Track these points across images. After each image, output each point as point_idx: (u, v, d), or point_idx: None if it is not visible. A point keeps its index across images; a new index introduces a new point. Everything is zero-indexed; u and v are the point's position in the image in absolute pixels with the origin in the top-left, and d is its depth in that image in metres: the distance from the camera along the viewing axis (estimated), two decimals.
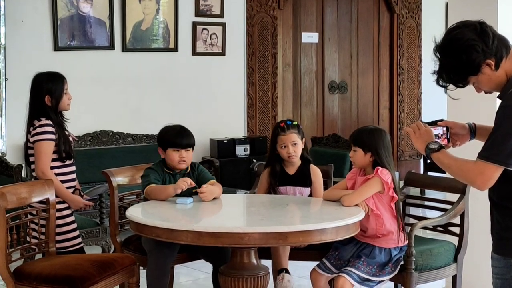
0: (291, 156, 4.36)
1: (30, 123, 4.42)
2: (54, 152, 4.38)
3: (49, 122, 4.36)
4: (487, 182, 2.69)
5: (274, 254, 4.24)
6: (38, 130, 4.33)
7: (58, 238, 4.29)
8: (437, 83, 2.79)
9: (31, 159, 4.42)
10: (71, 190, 4.50)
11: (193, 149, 4.28)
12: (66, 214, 4.42)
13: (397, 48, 9.76)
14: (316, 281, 4.05)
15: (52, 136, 4.35)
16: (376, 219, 3.94)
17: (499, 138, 2.65)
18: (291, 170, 4.43)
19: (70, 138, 4.51)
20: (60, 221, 4.34)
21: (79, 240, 4.50)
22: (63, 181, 4.41)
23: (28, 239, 4.05)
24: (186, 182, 4.00)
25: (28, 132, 4.41)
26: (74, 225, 4.48)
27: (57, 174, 4.38)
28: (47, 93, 4.41)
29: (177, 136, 4.21)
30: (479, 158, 2.68)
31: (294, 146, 4.36)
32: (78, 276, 3.67)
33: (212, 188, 4.10)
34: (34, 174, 4.42)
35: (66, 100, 4.48)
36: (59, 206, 4.33)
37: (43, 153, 4.32)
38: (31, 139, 4.36)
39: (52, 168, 4.37)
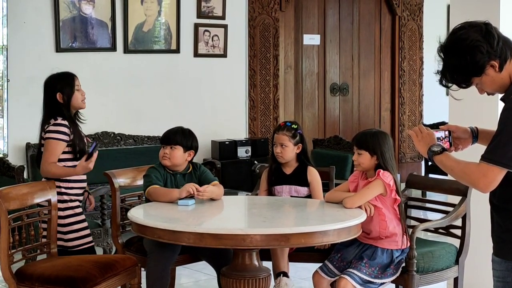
0: (277, 156, 4.41)
1: (45, 122, 4.41)
2: (67, 152, 4.34)
3: (65, 122, 4.34)
4: (490, 184, 2.69)
5: (273, 257, 4.25)
6: (52, 128, 4.33)
7: (70, 236, 4.30)
8: (440, 83, 2.79)
9: None
10: (82, 190, 4.45)
11: (186, 151, 4.25)
12: (78, 212, 4.40)
13: (398, 50, 9.76)
14: (318, 283, 4.05)
15: (65, 137, 4.32)
16: (380, 221, 3.95)
17: (503, 140, 2.64)
18: (288, 170, 4.47)
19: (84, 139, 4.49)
20: (72, 219, 4.33)
21: (90, 238, 4.48)
22: (75, 181, 4.37)
23: (39, 239, 4.06)
24: (192, 188, 4.01)
25: (43, 130, 4.39)
26: (86, 223, 4.46)
27: None
28: (58, 91, 4.41)
29: (165, 134, 4.33)
30: (482, 160, 2.68)
31: (282, 147, 4.39)
32: (80, 277, 3.67)
33: (212, 188, 4.12)
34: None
35: (79, 96, 4.47)
36: (72, 204, 4.34)
37: (49, 151, 4.30)
38: (44, 136, 4.35)
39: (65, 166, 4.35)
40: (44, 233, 4.14)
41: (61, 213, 4.28)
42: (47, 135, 4.32)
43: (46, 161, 4.30)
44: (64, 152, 4.36)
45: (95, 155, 4.30)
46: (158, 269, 4.03)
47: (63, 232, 4.30)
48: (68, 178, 4.35)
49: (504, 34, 2.76)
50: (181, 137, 4.27)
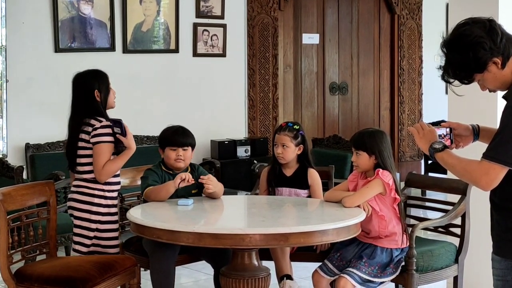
0: (278, 157, 4.38)
1: (80, 123, 4.22)
2: (113, 153, 4.23)
3: (108, 123, 4.20)
4: (491, 182, 2.68)
5: (275, 260, 4.24)
6: (101, 131, 4.16)
7: (110, 243, 4.24)
8: (443, 78, 2.79)
9: (82, 160, 4.22)
10: (117, 191, 4.33)
11: (192, 150, 4.28)
12: (115, 220, 4.29)
13: (397, 49, 9.75)
14: (317, 283, 4.05)
15: (112, 138, 4.19)
16: (379, 221, 3.94)
17: (505, 138, 2.64)
18: (288, 172, 4.44)
19: None
20: (109, 226, 4.25)
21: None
22: (115, 183, 4.28)
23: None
24: (183, 175, 4.00)
25: (81, 131, 4.21)
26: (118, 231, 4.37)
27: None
28: (95, 89, 4.27)
29: (174, 135, 4.26)
30: (484, 158, 2.67)
31: (283, 148, 4.36)
32: (79, 277, 3.67)
33: (214, 179, 4.11)
34: (81, 176, 4.25)
35: (112, 95, 4.38)
36: (111, 210, 4.25)
37: (103, 155, 4.15)
38: (92, 140, 4.17)
39: None
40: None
41: (101, 218, 4.22)
42: (97, 138, 4.15)
43: (101, 165, 4.14)
44: None
45: (126, 126, 4.17)
46: (163, 269, 4.03)
47: (102, 238, 4.23)
48: (111, 181, 4.24)
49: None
50: (190, 137, 4.28)
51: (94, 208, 4.21)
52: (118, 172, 4.32)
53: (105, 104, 4.32)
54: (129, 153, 4.23)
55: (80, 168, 4.26)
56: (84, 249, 4.23)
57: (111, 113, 4.39)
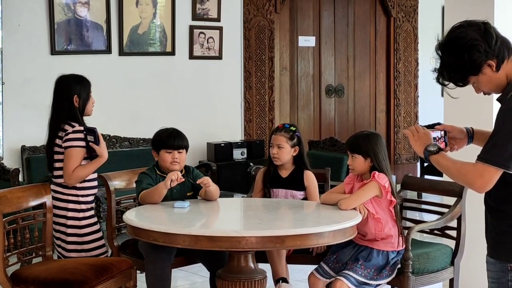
0: (274, 157, 4.39)
1: (57, 127, 4.29)
2: (84, 158, 4.27)
3: (82, 129, 4.24)
4: (486, 185, 2.69)
5: (271, 263, 4.24)
6: (72, 136, 4.21)
7: (90, 246, 4.28)
8: (437, 81, 2.80)
9: (57, 165, 4.29)
10: (94, 197, 4.39)
11: (186, 152, 4.29)
12: (94, 222, 4.34)
13: (393, 52, 9.77)
14: (314, 285, 4.05)
15: (84, 143, 4.24)
16: (375, 223, 3.95)
17: (499, 141, 2.65)
18: (284, 174, 4.45)
19: None
20: (88, 229, 4.29)
21: (106, 247, 4.41)
22: (91, 187, 4.33)
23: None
24: (174, 175, 4.00)
25: (56, 136, 4.27)
26: (101, 233, 4.40)
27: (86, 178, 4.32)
28: (75, 94, 4.29)
29: (169, 138, 4.26)
30: (479, 160, 2.68)
31: (278, 149, 4.37)
32: (75, 280, 3.66)
33: (210, 180, 4.13)
34: (56, 180, 4.30)
35: (91, 104, 4.40)
36: (87, 214, 4.30)
37: (73, 159, 4.20)
38: (64, 144, 4.23)
39: None
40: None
41: (77, 223, 4.26)
42: (68, 143, 4.21)
43: (70, 170, 4.20)
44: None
45: (99, 135, 4.23)
46: (157, 271, 4.02)
47: (81, 242, 4.27)
48: (85, 185, 4.29)
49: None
50: (184, 139, 4.28)
51: (70, 214, 4.26)
52: (94, 176, 4.36)
53: (82, 110, 4.35)
54: (101, 161, 4.28)
55: (55, 173, 4.33)
56: (64, 253, 4.27)
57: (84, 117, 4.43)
